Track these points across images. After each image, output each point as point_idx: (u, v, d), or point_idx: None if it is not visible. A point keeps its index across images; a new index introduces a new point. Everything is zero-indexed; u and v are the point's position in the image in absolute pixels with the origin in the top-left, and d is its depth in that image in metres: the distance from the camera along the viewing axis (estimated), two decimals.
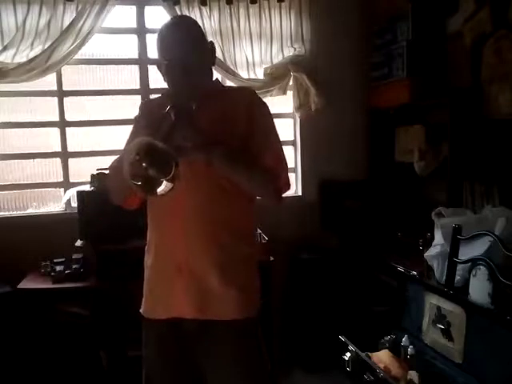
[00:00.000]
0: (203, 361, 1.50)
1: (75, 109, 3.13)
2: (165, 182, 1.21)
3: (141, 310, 1.58)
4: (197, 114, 1.39)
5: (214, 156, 1.36)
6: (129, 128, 1.62)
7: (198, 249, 1.45)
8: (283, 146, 1.58)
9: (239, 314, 1.47)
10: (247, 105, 1.51)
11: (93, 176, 2.80)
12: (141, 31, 3.16)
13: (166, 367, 1.52)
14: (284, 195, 1.56)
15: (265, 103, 1.56)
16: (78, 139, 3.15)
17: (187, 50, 1.42)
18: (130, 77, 3.21)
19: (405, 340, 2.16)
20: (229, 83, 3.21)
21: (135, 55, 3.19)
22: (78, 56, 3.01)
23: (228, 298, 1.46)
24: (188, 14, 3.00)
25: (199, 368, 1.51)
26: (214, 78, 1.60)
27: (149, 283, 1.55)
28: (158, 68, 1.51)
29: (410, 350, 2.12)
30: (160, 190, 1.22)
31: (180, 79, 1.43)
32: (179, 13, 3.00)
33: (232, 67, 3.15)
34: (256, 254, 1.62)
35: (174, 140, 1.28)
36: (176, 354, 1.50)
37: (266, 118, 1.54)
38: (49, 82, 3.04)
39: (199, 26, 1.54)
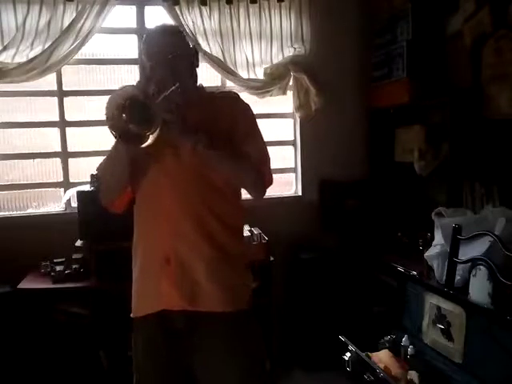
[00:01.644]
0: (194, 358, 1.50)
1: (75, 109, 3.13)
2: (150, 137, 1.26)
3: (131, 315, 1.58)
4: (180, 107, 1.42)
5: (200, 141, 1.39)
6: None
7: (185, 240, 1.47)
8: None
9: (228, 307, 1.48)
10: (231, 107, 1.56)
11: (93, 176, 2.80)
12: (141, 31, 3.16)
13: (156, 369, 1.53)
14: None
15: (247, 105, 1.61)
16: (77, 139, 3.15)
17: (173, 51, 1.47)
18: (129, 77, 3.21)
19: (405, 340, 2.16)
20: (229, 83, 3.22)
21: (135, 55, 3.18)
22: (78, 56, 3.02)
23: (215, 293, 1.47)
24: (188, 14, 3.03)
25: (190, 368, 1.51)
26: (199, 82, 1.62)
27: (137, 281, 1.56)
28: (141, 71, 1.56)
29: (410, 350, 2.11)
30: (146, 143, 1.28)
31: (165, 79, 1.44)
32: (179, 13, 3.01)
33: (232, 67, 3.15)
34: (246, 251, 1.64)
35: (160, 110, 1.31)
36: (166, 356, 1.51)
37: (248, 118, 1.58)
38: (49, 82, 3.04)
39: (182, 32, 1.59)
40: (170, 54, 1.45)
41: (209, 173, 1.47)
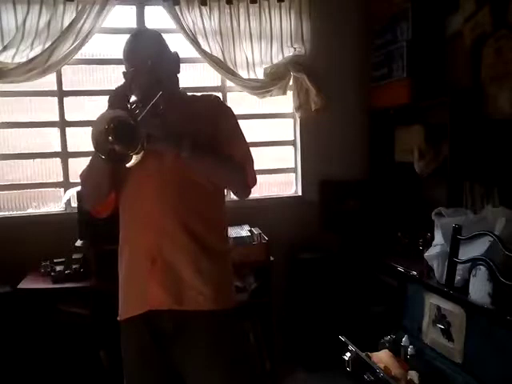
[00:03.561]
0: (180, 358, 1.51)
1: (75, 109, 3.13)
2: (134, 156, 1.28)
3: (118, 318, 1.59)
4: (165, 116, 1.43)
5: (183, 146, 1.40)
6: None
7: (170, 240, 1.49)
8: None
9: (214, 305, 1.50)
10: (213, 110, 1.58)
11: None
12: None
13: (145, 370, 1.53)
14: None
15: (228, 107, 1.66)
16: (77, 139, 3.14)
17: (155, 56, 1.48)
18: None
19: (405, 340, 2.16)
20: (229, 83, 3.22)
21: None
22: (78, 56, 3.02)
23: (201, 291, 1.49)
24: (188, 14, 3.03)
25: (177, 368, 1.52)
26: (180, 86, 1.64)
27: (124, 284, 1.57)
28: (124, 76, 1.55)
29: (410, 350, 2.11)
30: (130, 163, 1.30)
31: (148, 84, 1.45)
32: (179, 13, 3.01)
33: (232, 67, 3.15)
34: (229, 250, 1.66)
35: (144, 126, 1.32)
36: (153, 356, 1.51)
37: (230, 119, 1.61)
38: (49, 82, 3.04)
39: (163, 38, 1.60)
40: (151, 60, 1.46)
41: (192, 175, 1.49)
